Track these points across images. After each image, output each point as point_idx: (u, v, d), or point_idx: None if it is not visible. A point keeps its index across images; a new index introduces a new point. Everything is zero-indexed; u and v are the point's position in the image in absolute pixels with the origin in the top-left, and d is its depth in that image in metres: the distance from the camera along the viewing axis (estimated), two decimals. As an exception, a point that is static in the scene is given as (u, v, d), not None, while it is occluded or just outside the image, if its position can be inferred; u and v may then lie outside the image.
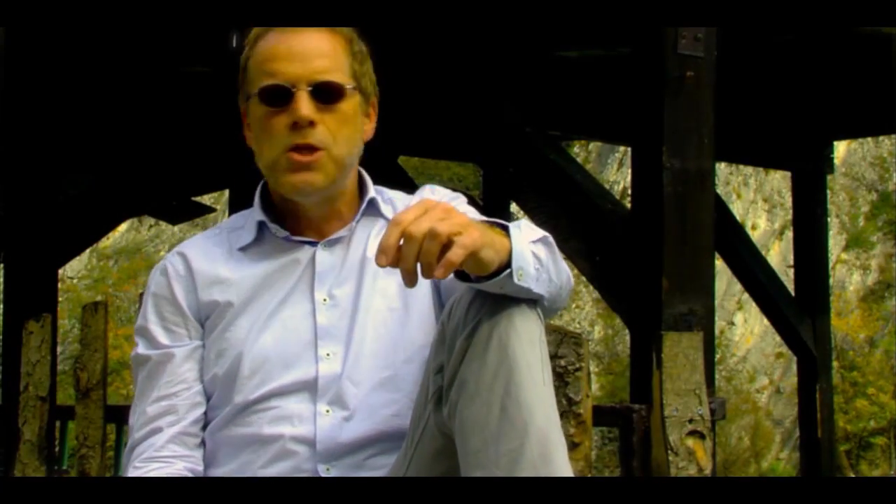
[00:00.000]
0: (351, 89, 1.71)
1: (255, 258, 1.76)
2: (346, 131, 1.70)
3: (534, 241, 1.52)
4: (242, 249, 1.77)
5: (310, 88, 1.67)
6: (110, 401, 3.59)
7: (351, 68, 1.72)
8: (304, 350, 1.69)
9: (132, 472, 1.69)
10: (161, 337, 1.74)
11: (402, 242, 1.39)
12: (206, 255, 1.77)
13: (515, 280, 1.46)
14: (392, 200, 1.82)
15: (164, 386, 1.72)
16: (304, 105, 1.66)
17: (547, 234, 1.58)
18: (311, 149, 1.67)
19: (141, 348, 1.76)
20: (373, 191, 1.80)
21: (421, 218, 1.39)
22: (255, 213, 1.78)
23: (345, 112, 1.70)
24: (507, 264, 1.46)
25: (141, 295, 1.84)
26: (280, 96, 1.67)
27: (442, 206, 1.42)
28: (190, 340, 1.74)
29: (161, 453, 1.69)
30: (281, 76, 1.67)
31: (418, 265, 1.40)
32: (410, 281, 1.40)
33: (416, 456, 1.59)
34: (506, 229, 1.49)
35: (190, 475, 1.69)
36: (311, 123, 1.66)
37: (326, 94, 1.68)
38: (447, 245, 1.39)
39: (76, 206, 4.78)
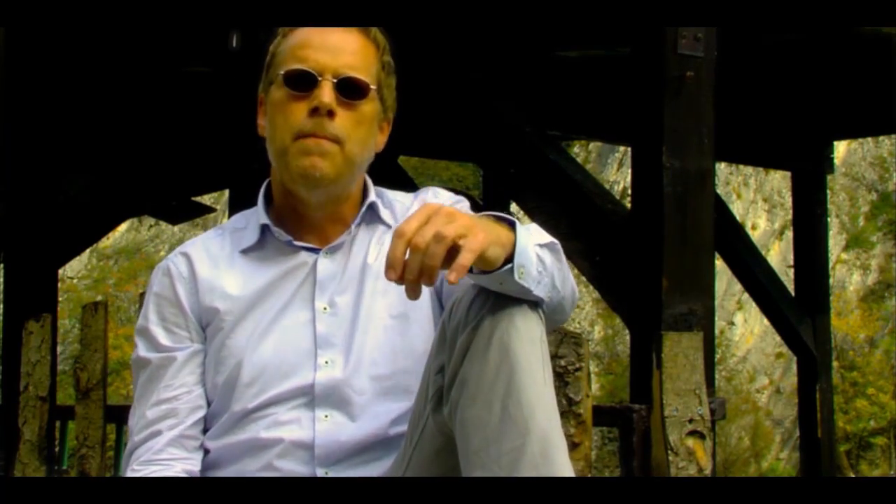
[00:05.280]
0: (374, 91, 1.71)
1: (257, 263, 1.74)
2: (361, 132, 1.70)
3: (540, 245, 1.51)
4: (244, 252, 1.76)
5: (335, 80, 1.67)
6: (110, 401, 3.58)
7: (377, 74, 1.73)
8: (304, 359, 1.69)
9: (130, 475, 1.68)
10: (162, 338, 1.73)
11: (408, 254, 1.38)
12: (210, 259, 1.76)
13: (516, 277, 1.45)
14: (392, 203, 1.81)
15: (165, 389, 1.71)
16: (328, 93, 1.66)
17: (556, 240, 1.56)
18: (325, 138, 1.66)
19: (141, 350, 1.74)
20: (373, 194, 1.78)
21: (425, 226, 1.39)
22: (258, 215, 1.77)
23: (363, 113, 1.70)
24: (510, 259, 1.45)
25: (141, 295, 1.83)
26: (305, 82, 1.67)
27: (445, 209, 1.41)
28: (191, 343, 1.73)
29: (159, 456, 1.68)
30: (310, 62, 1.67)
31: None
32: (414, 293, 1.39)
33: (414, 456, 1.58)
34: (511, 224, 1.48)
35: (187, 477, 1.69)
36: (331, 113, 1.66)
37: (350, 89, 1.68)
38: (454, 248, 1.38)
39: (76, 206, 4.78)
